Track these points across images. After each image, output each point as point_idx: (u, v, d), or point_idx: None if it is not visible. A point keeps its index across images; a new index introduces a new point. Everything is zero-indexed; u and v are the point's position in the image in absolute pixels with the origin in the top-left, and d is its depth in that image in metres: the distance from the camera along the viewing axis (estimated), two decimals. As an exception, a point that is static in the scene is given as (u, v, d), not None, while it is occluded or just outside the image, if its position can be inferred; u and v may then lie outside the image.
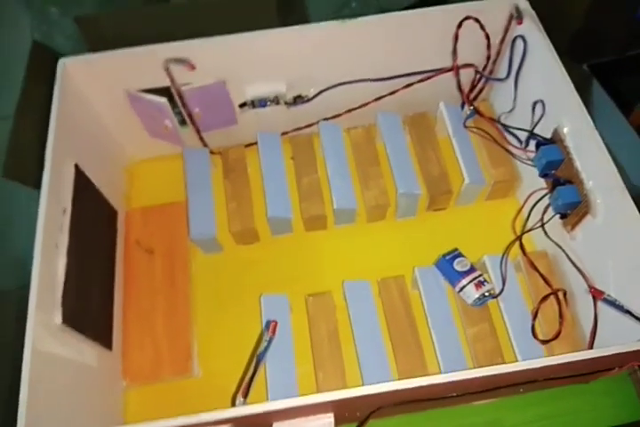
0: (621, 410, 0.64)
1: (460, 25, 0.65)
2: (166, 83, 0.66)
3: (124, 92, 0.68)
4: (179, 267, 0.70)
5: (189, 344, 0.66)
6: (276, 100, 0.72)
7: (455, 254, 0.64)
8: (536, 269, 0.64)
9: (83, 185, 0.63)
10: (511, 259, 0.65)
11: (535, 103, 0.65)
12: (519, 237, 0.66)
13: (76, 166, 0.62)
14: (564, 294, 0.62)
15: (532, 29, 0.64)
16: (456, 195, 0.73)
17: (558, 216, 0.63)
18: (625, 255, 0.54)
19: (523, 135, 0.68)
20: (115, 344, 0.63)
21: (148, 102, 0.68)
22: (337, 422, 0.50)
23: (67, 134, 0.60)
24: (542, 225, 0.65)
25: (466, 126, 0.73)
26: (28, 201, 0.62)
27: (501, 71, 0.71)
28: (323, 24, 0.64)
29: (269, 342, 0.51)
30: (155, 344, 0.65)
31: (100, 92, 0.67)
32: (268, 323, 0.51)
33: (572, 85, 0.59)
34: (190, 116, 0.71)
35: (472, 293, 0.62)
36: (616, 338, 0.52)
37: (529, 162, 0.67)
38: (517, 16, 0.64)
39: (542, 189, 0.66)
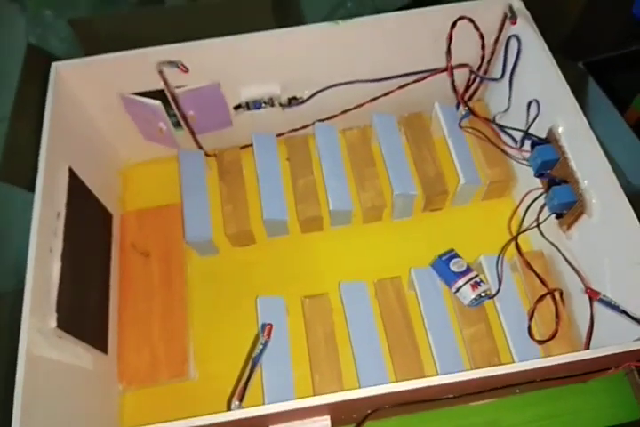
0: (620, 410, 0.64)
1: (454, 25, 0.64)
2: (160, 85, 0.66)
3: (117, 95, 0.67)
4: (174, 270, 0.70)
5: (185, 347, 0.65)
6: (270, 102, 0.72)
7: (451, 255, 0.64)
8: (532, 269, 0.63)
9: (77, 188, 0.62)
10: (507, 259, 0.65)
11: (530, 103, 0.65)
12: (515, 238, 0.66)
13: (70, 170, 0.62)
14: (561, 294, 0.62)
15: (526, 29, 0.64)
16: (452, 195, 0.73)
17: (554, 216, 0.63)
18: (621, 254, 0.54)
19: (518, 135, 0.68)
20: (110, 347, 0.63)
21: (142, 105, 0.68)
22: (334, 424, 0.50)
23: (61, 138, 0.60)
24: (538, 225, 0.64)
25: (461, 126, 0.73)
26: (23, 204, 0.62)
27: (496, 71, 0.71)
28: (317, 25, 0.64)
29: (264, 345, 0.51)
30: (151, 347, 0.65)
31: (93, 95, 0.67)
32: (263, 326, 0.51)
33: (566, 85, 0.59)
34: (185, 118, 0.71)
35: (468, 293, 0.62)
36: (612, 338, 0.52)
37: (524, 162, 0.67)
38: (511, 16, 0.64)
39: (538, 188, 0.65)
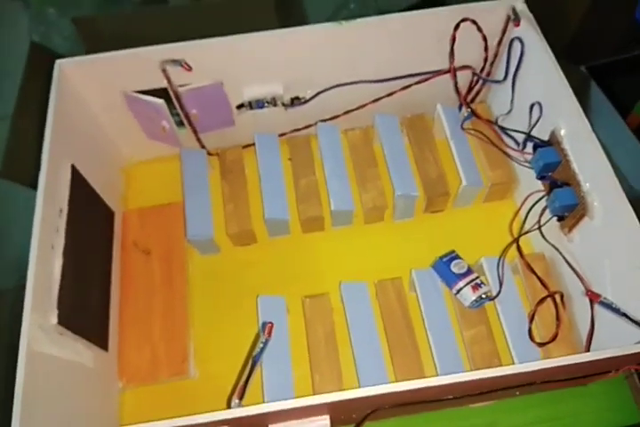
0: (620, 413, 0.64)
1: (457, 27, 0.65)
2: (163, 84, 0.66)
3: (121, 93, 0.68)
4: (176, 268, 0.70)
5: (186, 345, 0.65)
6: (273, 102, 0.72)
7: (452, 256, 0.64)
8: (533, 271, 0.63)
9: (79, 186, 0.62)
10: (508, 261, 0.65)
11: (532, 105, 0.65)
12: (516, 240, 0.66)
13: (73, 167, 0.62)
14: (561, 297, 0.62)
15: (529, 31, 0.64)
16: (453, 197, 0.73)
17: (555, 218, 0.63)
18: (622, 257, 0.54)
19: (520, 137, 0.68)
20: (111, 345, 0.63)
21: (145, 104, 0.68)
22: (333, 424, 0.50)
23: (63, 135, 0.60)
24: (539, 227, 0.65)
25: (463, 128, 0.73)
26: (26, 201, 0.62)
27: (499, 73, 0.71)
28: (320, 25, 0.64)
29: (265, 344, 0.51)
30: (151, 345, 0.65)
31: (96, 93, 0.67)
32: (264, 324, 0.51)
33: (569, 87, 0.59)
34: (188, 117, 0.71)
35: (469, 295, 0.62)
36: (613, 341, 0.52)
37: (526, 164, 0.67)
38: (515, 18, 0.64)
39: (539, 191, 0.65)
